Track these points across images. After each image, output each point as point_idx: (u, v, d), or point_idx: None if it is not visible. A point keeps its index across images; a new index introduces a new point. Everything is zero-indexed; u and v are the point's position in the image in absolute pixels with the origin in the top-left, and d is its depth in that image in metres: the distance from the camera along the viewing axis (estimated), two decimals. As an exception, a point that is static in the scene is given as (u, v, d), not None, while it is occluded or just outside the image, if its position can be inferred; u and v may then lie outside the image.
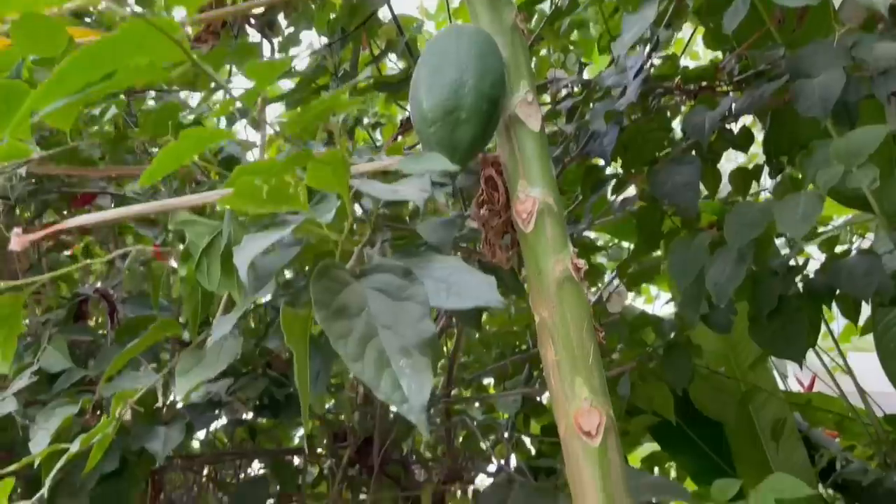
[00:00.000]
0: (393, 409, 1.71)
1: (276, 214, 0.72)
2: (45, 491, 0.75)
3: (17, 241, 0.59)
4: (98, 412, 1.01)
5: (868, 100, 1.05)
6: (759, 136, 1.33)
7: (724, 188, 1.36)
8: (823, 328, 1.89)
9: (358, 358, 0.55)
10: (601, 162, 1.38)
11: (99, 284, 1.30)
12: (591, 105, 1.32)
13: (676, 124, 1.40)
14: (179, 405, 1.10)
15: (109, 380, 1.00)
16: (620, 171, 1.38)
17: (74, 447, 0.74)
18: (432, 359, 0.56)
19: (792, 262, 1.29)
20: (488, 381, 2.17)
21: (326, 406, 1.77)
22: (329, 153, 0.52)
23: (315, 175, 0.54)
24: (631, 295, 2.39)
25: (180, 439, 1.05)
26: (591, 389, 0.83)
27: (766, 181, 1.47)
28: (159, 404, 0.95)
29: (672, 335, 1.42)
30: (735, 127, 1.30)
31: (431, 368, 0.56)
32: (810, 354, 1.95)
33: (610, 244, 2.29)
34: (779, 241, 1.38)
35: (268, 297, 0.65)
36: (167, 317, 1.17)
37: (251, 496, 1.14)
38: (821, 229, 1.46)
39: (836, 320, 2.24)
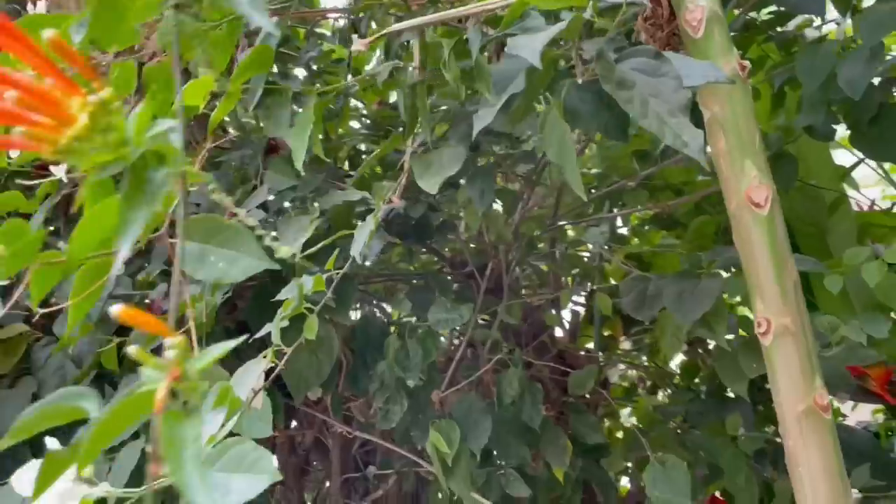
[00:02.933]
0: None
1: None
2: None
3: (361, 43, 0.73)
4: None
5: None
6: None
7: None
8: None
9: (644, 116, 0.70)
10: None
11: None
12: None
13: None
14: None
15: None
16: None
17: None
18: (690, 118, 0.72)
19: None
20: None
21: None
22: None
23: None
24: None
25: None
26: (759, 169, 0.98)
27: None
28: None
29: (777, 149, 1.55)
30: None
31: (693, 124, 0.71)
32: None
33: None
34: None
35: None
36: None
37: (420, 298, 1.36)
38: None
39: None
